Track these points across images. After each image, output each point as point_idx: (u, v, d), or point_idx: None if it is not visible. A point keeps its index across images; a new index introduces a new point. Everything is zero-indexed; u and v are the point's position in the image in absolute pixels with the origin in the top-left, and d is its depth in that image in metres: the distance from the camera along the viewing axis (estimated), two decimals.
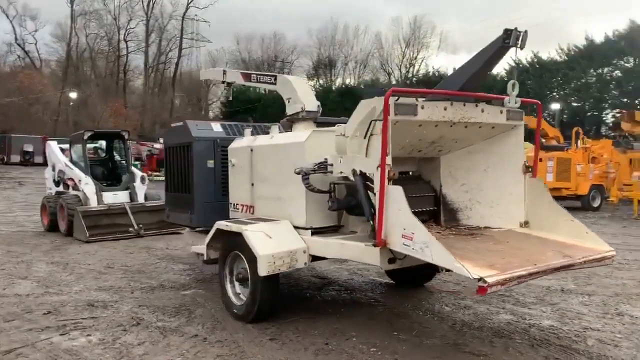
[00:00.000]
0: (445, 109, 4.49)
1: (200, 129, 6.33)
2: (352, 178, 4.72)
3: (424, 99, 4.51)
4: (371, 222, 4.40)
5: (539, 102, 5.20)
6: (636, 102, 33.16)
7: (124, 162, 12.35)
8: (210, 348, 4.39)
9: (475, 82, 4.71)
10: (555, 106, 33.98)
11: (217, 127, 6.48)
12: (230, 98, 7.83)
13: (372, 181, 4.51)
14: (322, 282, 6.61)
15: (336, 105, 47.38)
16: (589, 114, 35.90)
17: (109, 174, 12.44)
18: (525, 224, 5.03)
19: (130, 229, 10.68)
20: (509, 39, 4.36)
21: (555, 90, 37.08)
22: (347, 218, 5.21)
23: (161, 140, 20.42)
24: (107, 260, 8.26)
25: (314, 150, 5.02)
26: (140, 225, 10.66)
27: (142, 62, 62.36)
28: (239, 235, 4.94)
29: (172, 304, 5.69)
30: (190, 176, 6.27)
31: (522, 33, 4.27)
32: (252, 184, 5.67)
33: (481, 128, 4.87)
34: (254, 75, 7.02)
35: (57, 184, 12.52)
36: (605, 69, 34.93)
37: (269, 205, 5.44)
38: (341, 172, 4.81)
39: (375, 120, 4.27)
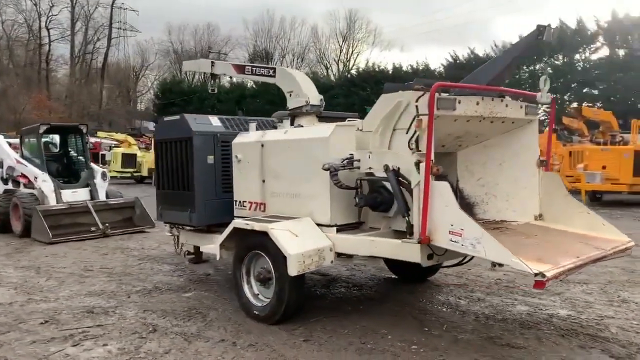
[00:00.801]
0: (477, 103, 4.50)
1: (199, 123, 6.05)
2: (376, 174, 4.69)
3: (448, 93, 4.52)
4: (407, 218, 4.36)
5: (553, 98, 5.32)
6: (565, 97, 35.04)
7: (81, 157, 11.67)
8: (245, 353, 4.21)
9: (505, 76, 4.76)
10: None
11: (215, 121, 6.22)
12: (216, 90, 7.56)
13: (403, 177, 4.50)
14: (325, 279, 6.50)
15: (280, 99, 47.11)
16: None
17: (64, 170, 11.73)
18: (540, 216, 5.15)
19: (93, 228, 10.13)
20: (542, 35, 4.44)
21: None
22: (365, 215, 5.15)
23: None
24: (83, 262, 7.78)
25: (336, 146, 4.91)
26: (107, 225, 10.13)
27: (67, 52, 59.20)
28: (261, 234, 4.76)
29: (180, 307, 5.41)
30: (190, 173, 5.98)
31: (553, 29, 4.35)
32: (263, 181, 5.48)
33: (504, 123, 4.93)
34: (249, 67, 6.80)
35: (4, 181, 11.68)
36: (537, 66, 36.60)
37: (284, 202, 5.26)
38: (370, 168, 4.73)
39: (420, 116, 4.18)
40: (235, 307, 5.32)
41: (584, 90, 35.54)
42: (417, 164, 4.23)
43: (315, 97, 6.13)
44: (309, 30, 63.47)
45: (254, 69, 6.72)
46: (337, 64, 61.51)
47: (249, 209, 5.67)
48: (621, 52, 33.84)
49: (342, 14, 70.18)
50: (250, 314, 4.98)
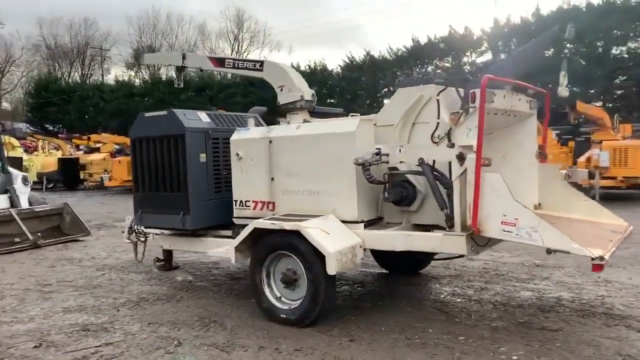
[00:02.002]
0: (504, 97, 4.64)
1: (190, 119, 5.65)
2: (400, 168, 4.68)
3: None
4: (446, 210, 4.38)
5: (549, 92, 5.62)
6: None
7: None
8: (296, 359, 3.98)
9: (526, 69, 4.95)
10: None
11: (204, 116, 5.84)
12: (182, 85, 7.10)
13: (437, 170, 4.53)
14: None
15: (172, 96, 45.25)
16: None
17: None
18: (539, 205, 5.43)
19: (17, 239, 9.08)
20: (564, 32, 4.67)
21: (388, 86, 40.17)
22: (381, 210, 5.10)
23: None
24: (31, 277, 6.93)
25: (361, 140, 4.82)
26: (39, 234, 9.12)
27: None
28: (290, 233, 4.54)
29: (186, 317, 5.01)
30: (183, 173, 5.56)
31: (574, 28, 4.60)
32: (272, 179, 5.23)
33: (515, 117, 5.13)
34: (230, 60, 6.45)
35: None
36: (429, 68, 38.68)
37: (300, 200, 5.06)
38: (401, 162, 4.71)
39: (468, 108, 4.21)
40: (249, 313, 5.04)
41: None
42: (460, 157, 4.27)
43: (307, 92, 5.97)
44: (197, 27, 61.59)
45: (236, 62, 6.38)
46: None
47: (253, 208, 5.39)
48: (503, 56, 36.70)
49: (232, 12, 69.12)
50: (276, 319, 4.73)
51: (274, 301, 4.79)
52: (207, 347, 4.25)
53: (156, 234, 6.84)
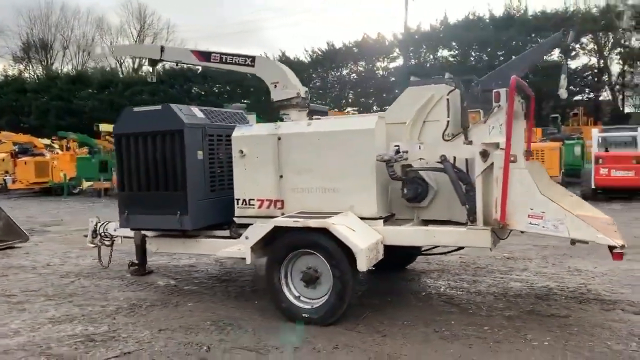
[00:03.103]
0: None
1: (187, 114, 5.38)
2: (414, 165, 4.80)
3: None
4: (467, 206, 4.55)
5: (533, 94, 5.96)
6: (370, 101, 38.46)
7: None
8: (339, 356, 3.95)
9: (528, 70, 5.23)
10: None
11: (198, 112, 5.59)
12: (155, 79, 6.76)
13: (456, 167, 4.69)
14: None
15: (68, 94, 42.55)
16: (330, 111, 40.23)
17: None
18: None
19: None
20: (566, 37, 4.99)
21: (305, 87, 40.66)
22: (390, 206, 5.18)
23: None
24: None
25: (378, 137, 4.86)
26: None
27: None
28: (316, 231, 4.48)
29: (197, 321, 4.78)
30: (181, 171, 5.28)
31: (575, 33, 4.94)
32: (281, 176, 5.13)
33: None
34: (217, 55, 6.19)
35: None
36: (345, 72, 39.57)
37: (312, 198, 5.00)
38: (420, 159, 4.81)
39: (498, 107, 4.37)
40: (260, 314, 4.92)
41: (383, 95, 39.45)
42: (483, 153, 4.44)
43: (302, 89, 5.91)
44: (94, 21, 57.96)
45: (224, 57, 6.13)
46: (134, 60, 58.08)
47: (258, 207, 5.25)
48: (413, 62, 38.33)
49: (134, 6, 65.78)
50: (297, 318, 4.63)
51: (294, 300, 4.70)
52: (240, 350, 4.10)
53: (128, 237, 6.49)
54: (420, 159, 4.80)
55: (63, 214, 14.68)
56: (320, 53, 39.61)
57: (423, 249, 5.98)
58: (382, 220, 4.81)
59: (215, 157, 5.64)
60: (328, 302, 4.54)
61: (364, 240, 4.44)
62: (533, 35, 35.35)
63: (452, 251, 5.80)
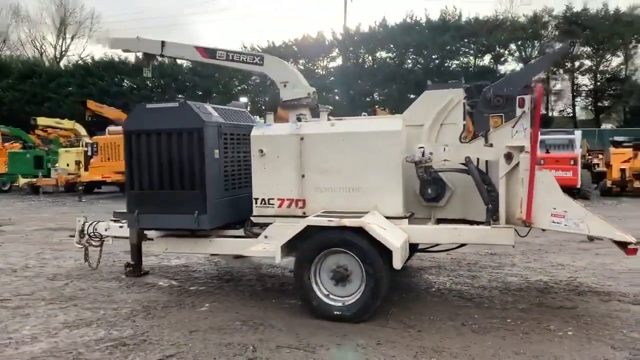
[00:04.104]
0: None
1: (204, 112, 5.31)
2: (434, 166, 5.01)
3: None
4: (490, 205, 4.80)
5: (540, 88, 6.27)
6: None
7: None
8: (389, 351, 4.06)
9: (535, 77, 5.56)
10: (244, 99, 36.99)
11: (212, 110, 5.52)
12: (150, 75, 6.59)
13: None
14: None
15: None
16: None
17: None
18: None
19: None
20: (572, 48, 5.35)
21: (242, 84, 40.31)
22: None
23: None
24: None
25: (404, 139, 5.03)
26: None
27: None
28: (350, 230, 4.57)
29: (225, 322, 4.74)
30: (200, 169, 5.20)
31: (579, 43, 5.32)
32: (303, 176, 5.17)
33: None
34: (223, 52, 6.12)
35: None
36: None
37: (336, 197, 5.08)
38: (445, 160, 5.01)
39: (524, 112, 4.63)
40: (286, 313, 4.98)
41: (323, 94, 39.83)
42: (508, 156, 4.71)
43: (310, 90, 5.97)
44: (10, 9, 54.22)
45: (231, 54, 6.06)
46: (55, 50, 55.02)
47: (279, 206, 5.27)
48: (352, 62, 38.96)
49: None
50: (329, 316, 4.70)
51: (324, 299, 4.76)
52: (287, 348, 4.12)
53: (119, 237, 6.31)
54: (445, 160, 5.00)
55: (6, 213, 13.83)
56: (259, 50, 39.34)
57: (419, 246, 6.20)
58: (407, 219, 4.97)
59: (229, 156, 5.59)
60: (361, 299, 4.64)
61: (397, 239, 4.59)
62: (466, 40, 36.96)
63: (449, 249, 6.06)
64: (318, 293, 4.78)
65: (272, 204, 5.29)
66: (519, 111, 4.70)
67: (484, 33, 34.99)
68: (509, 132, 4.77)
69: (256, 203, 5.33)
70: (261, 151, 5.26)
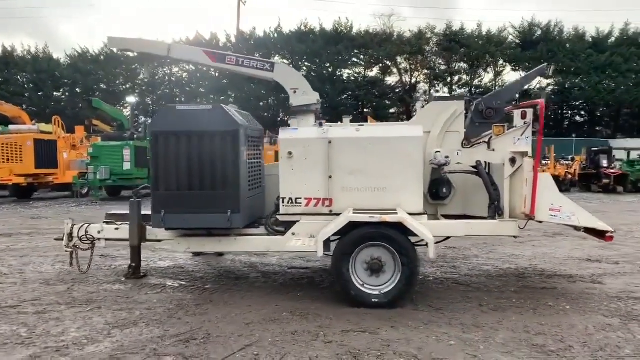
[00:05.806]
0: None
1: (236, 116, 5.53)
2: (446, 168, 5.72)
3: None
4: (496, 203, 5.60)
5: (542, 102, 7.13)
6: (204, 101, 38.13)
7: None
8: (452, 331, 4.63)
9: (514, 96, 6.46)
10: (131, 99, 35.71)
11: (236, 113, 5.74)
12: (147, 77, 6.59)
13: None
14: (307, 273, 6.76)
15: None
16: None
17: None
18: None
19: None
20: (546, 71, 6.33)
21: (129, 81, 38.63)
22: None
23: None
24: None
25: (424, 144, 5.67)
26: None
27: None
28: (388, 225, 5.10)
29: (271, 315, 4.99)
30: (234, 170, 5.41)
31: (550, 68, 6.34)
32: (330, 176, 5.59)
33: None
34: (232, 57, 6.32)
35: None
36: (175, 69, 38.77)
37: (362, 196, 5.55)
38: (459, 163, 5.73)
39: (527, 124, 5.47)
40: (324, 302, 5.40)
41: (212, 97, 39.52)
42: (512, 160, 5.54)
43: (317, 96, 6.39)
44: None
45: (240, 59, 6.28)
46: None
47: (306, 205, 5.63)
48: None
49: None
50: (367, 303, 5.16)
51: (361, 288, 5.23)
52: (352, 332, 4.53)
53: (113, 239, 6.28)
54: (458, 163, 5.71)
55: None
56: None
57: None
58: (426, 215, 5.60)
59: (251, 157, 5.85)
60: (397, 287, 5.18)
61: (430, 232, 5.20)
62: (357, 51, 38.87)
63: (440, 241, 6.80)
64: (356, 284, 5.23)
65: (300, 203, 5.64)
66: (520, 122, 5.54)
67: (374, 45, 37.03)
68: (510, 139, 5.60)
69: (283, 202, 5.65)
70: (290, 153, 5.59)
